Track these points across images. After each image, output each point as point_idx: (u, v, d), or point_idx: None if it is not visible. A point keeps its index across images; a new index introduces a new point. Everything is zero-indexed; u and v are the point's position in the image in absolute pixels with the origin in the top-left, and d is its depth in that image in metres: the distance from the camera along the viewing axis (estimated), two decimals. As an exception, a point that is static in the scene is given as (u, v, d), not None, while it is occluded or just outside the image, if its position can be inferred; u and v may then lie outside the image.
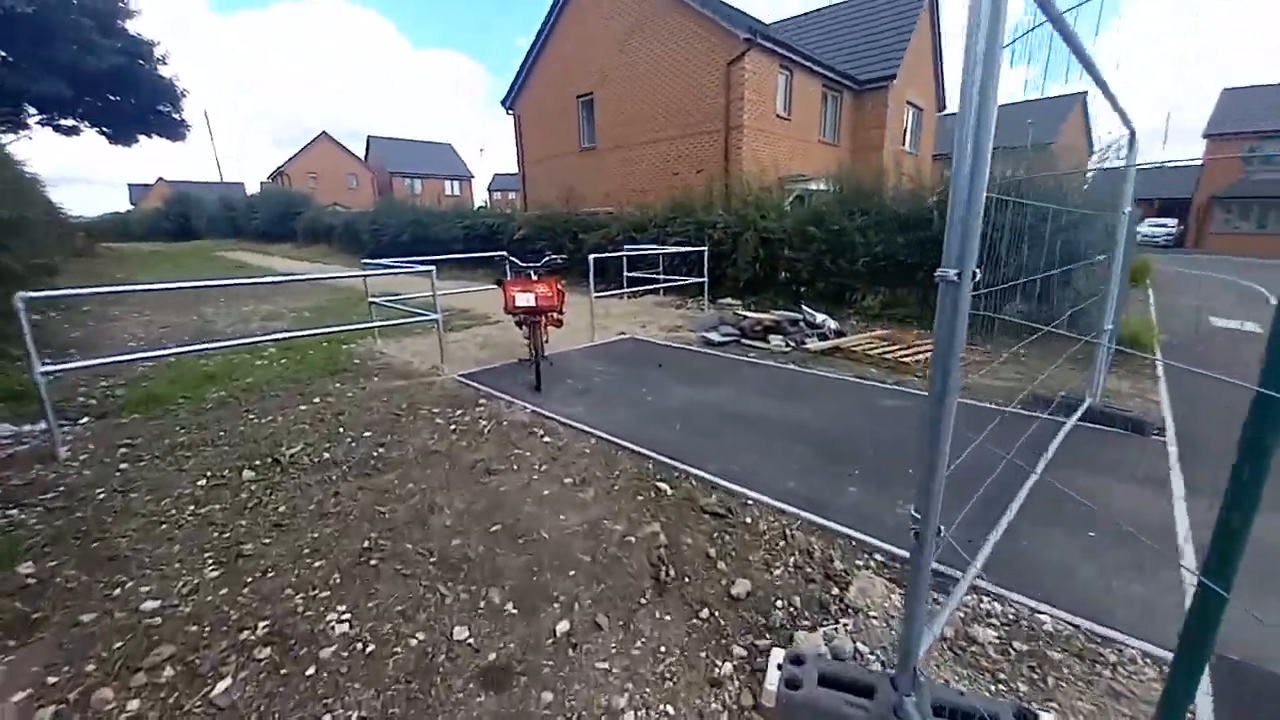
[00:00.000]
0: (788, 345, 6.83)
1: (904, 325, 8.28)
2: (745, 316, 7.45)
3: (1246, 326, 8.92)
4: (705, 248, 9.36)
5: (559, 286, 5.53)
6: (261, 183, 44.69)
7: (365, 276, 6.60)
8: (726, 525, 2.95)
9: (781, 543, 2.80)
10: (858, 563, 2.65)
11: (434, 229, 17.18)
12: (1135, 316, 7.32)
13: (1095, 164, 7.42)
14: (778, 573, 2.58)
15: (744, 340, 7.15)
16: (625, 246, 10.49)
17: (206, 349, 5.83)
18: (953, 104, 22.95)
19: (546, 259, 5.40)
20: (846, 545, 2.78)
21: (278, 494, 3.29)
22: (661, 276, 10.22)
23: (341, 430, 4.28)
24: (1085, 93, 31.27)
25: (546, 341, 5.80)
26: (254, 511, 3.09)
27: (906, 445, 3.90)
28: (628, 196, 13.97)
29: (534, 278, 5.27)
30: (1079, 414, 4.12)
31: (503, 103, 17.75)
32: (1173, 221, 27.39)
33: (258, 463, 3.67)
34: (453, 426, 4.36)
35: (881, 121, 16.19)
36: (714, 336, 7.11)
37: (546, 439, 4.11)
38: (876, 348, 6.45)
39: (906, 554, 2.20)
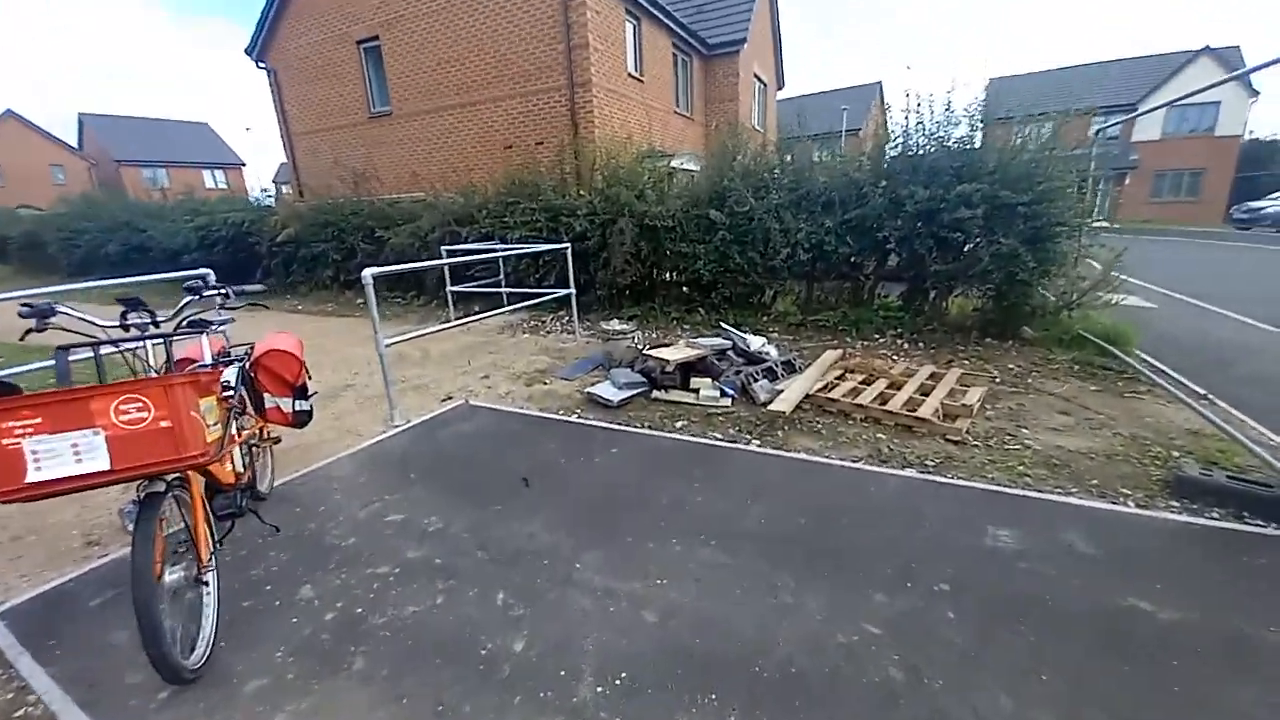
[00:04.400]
0: (725, 396, 4.26)
1: (837, 334, 6.28)
2: (649, 355, 4.69)
3: (1130, 300, 8.56)
4: (568, 245, 6.41)
5: (257, 369, 2.28)
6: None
7: None
8: None
9: None
10: None
11: (154, 232, 11.81)
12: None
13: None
14: None
15: (655, 392, 4.44)
16: (443, 249, 7.12)
17: None
18: (792, 85, 22.77)
19: (186, 300, 2.06)
20: None
21: None
22: (505, 291, 7.06)
23: None
24: (880, 82, 34.13)
25: (250, 485, 2.47)
26: None
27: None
28: (445, 178, 10.28)
29: (138, 369, 1.95)
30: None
31: (248, 51, 12.63)
32: None
33: None
34: None
35: (734, 93, 14.56)
36: (609, 394, 4.27)
37: None
38: (860, 392, 4.17)
39: None
